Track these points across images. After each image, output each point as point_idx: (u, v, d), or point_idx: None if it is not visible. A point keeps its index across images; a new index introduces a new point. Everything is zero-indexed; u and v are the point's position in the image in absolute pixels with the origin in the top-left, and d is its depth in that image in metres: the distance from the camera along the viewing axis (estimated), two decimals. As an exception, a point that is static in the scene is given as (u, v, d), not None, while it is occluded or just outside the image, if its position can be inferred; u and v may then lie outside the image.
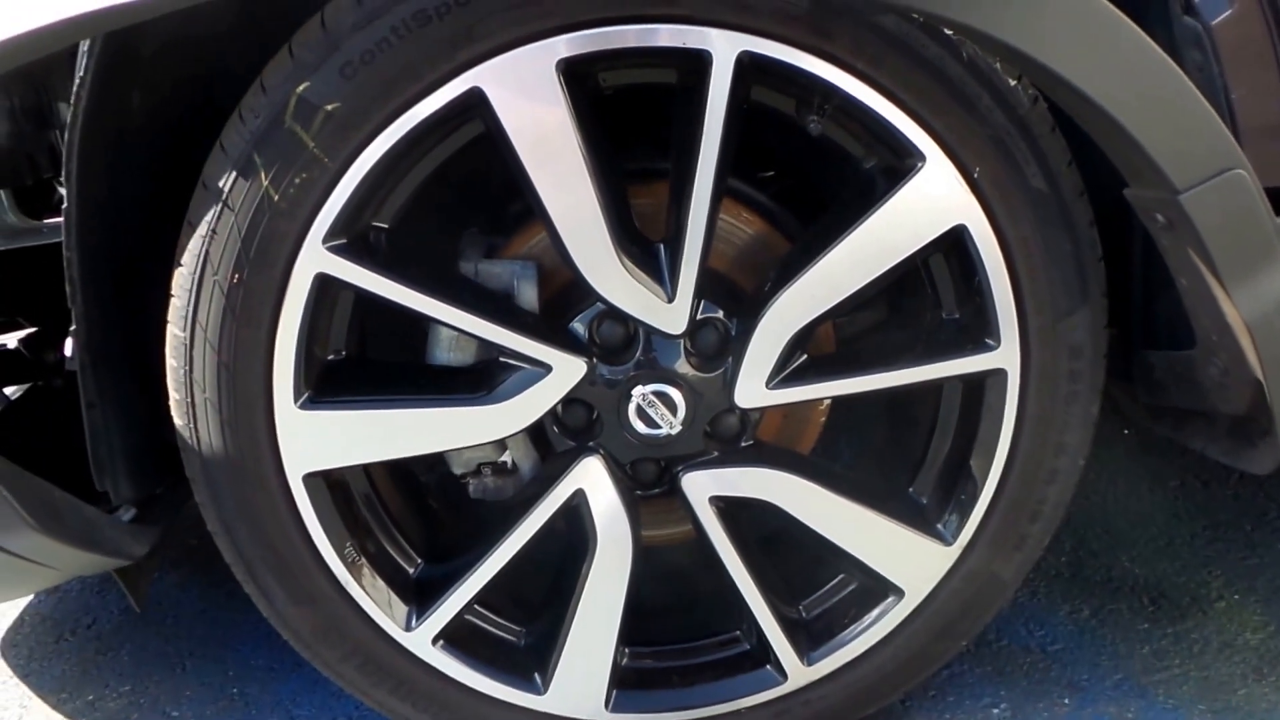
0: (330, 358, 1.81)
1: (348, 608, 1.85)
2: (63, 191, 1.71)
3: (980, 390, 1.85)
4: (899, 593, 1.92)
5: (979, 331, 1.79)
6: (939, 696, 2.19)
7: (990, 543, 1.89)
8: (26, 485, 1.71)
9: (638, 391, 1.82)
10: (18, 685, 2.39)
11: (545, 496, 1.84)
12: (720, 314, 1.84)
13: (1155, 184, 1.54)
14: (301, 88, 1.58)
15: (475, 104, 1.60)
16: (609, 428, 1.86)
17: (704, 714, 1.98)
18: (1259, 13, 1.63)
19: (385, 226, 1.77)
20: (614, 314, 1.79)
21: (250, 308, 1.66)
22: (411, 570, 1.99)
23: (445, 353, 1.88)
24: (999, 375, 1.79)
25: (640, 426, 1.84)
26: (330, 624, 1.86)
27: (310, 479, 1.77)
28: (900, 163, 1.70)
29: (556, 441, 1.93)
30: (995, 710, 2.16)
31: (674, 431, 1.84)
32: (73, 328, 1.76)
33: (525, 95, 1.59)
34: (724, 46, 1.59)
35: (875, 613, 1.95)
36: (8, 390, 2.68)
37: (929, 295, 1.91)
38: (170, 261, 1.69)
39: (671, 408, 1.83)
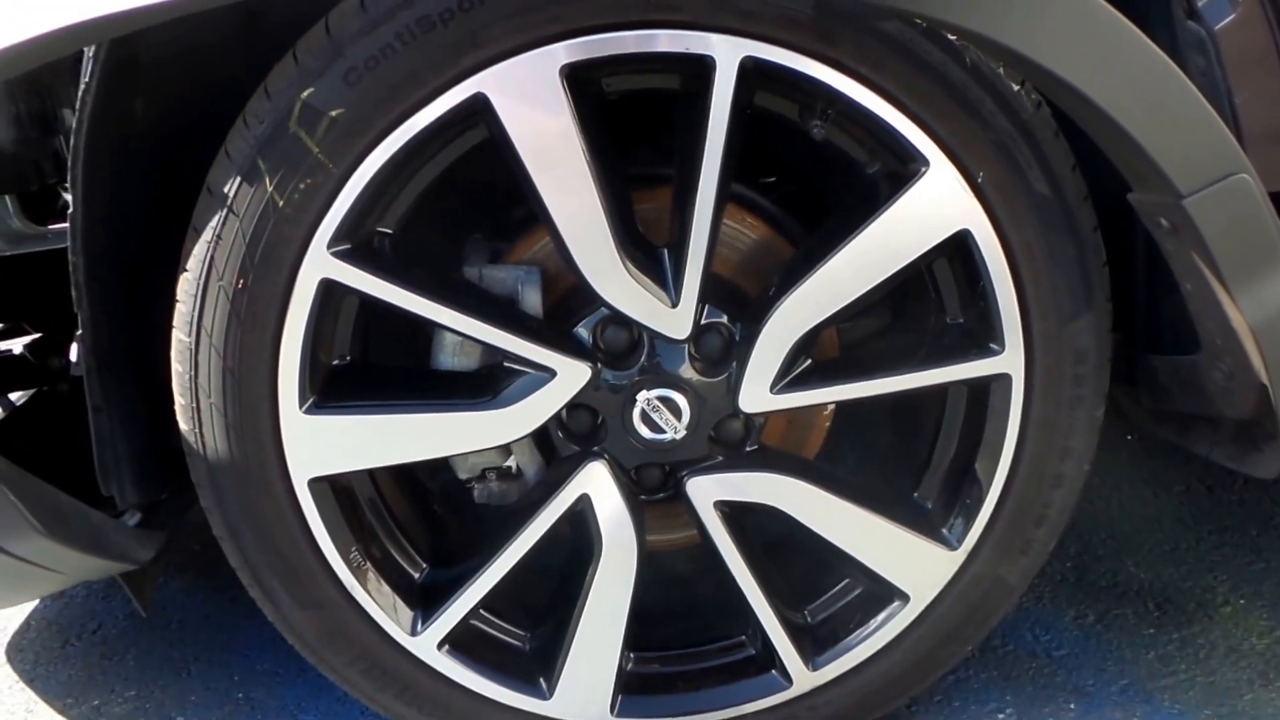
0: (335, 363, 1.81)
1: (353, 612, 1.85)
2: (67, 197, 1.71)
3: (985, 395, 1.84)
4: (904, 597, 1.92)
5: (983, 336, 1.79)
6: (944, 701, 2.19)
7: (995, 547, 1.89)
8: (33, 490, 1.71)
9: (642, 396, 1.82)
10: (23, 690, 2.39)
11: (550, 501, 1.84)
12: (724, 319, 1.84)
13: (1159, 189, 1.54)
14: (306, 93, 1.58)
15: (479, 110, 1.60)
16: (613, 433, 1.86)
17: (709, 719, 1.97)
18: (1262, 17, 1.62)
19: (390, 232, 1.77)
20: (618, 319, 1.79)
21: (255, 313, 1.67)
22: (417, 575, 2.00)
23: (450, 358, 1.89)
24: (1003, 380, 1.79)
25: (645, 431, 1.84)
26: (336, 629, 1.86)
27: (315, 484, 1.77)
28: (904, 168, 1.70)
29: (561, 446, 1.93)
30: (1001, 715, 2.15)
31: (678, 436, 1.84)
32: (78, 332, 1.76)
33: (529, 101, 1.59)
34: (727, 52, 1.59)
35: (880, 617, 1.95)
36: (13, 396, 2.68)
37: (933, 300, 1.91)
38: (175, 267, 1.70)
39: (676, 412, 1.83)
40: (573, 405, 1.80)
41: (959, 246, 1.73)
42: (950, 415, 1.97)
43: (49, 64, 1.49)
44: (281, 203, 1.61)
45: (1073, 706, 2.16)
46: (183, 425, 1.76)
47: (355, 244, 1.67)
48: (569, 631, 1.89)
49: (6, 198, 2.00)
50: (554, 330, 1.85)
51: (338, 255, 1.65)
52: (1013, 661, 2.29)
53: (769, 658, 1.97)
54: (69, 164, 1.69)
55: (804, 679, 1.95)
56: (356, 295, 1.71)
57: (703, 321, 1.80)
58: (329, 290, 1.67)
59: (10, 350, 2.61)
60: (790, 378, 1.80)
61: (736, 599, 1.92)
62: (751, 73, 1.61)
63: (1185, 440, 2.02)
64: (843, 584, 2.04)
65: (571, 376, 1.76)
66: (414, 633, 1.87)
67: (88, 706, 2.33)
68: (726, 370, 1.83)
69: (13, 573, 1.78)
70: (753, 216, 1.98)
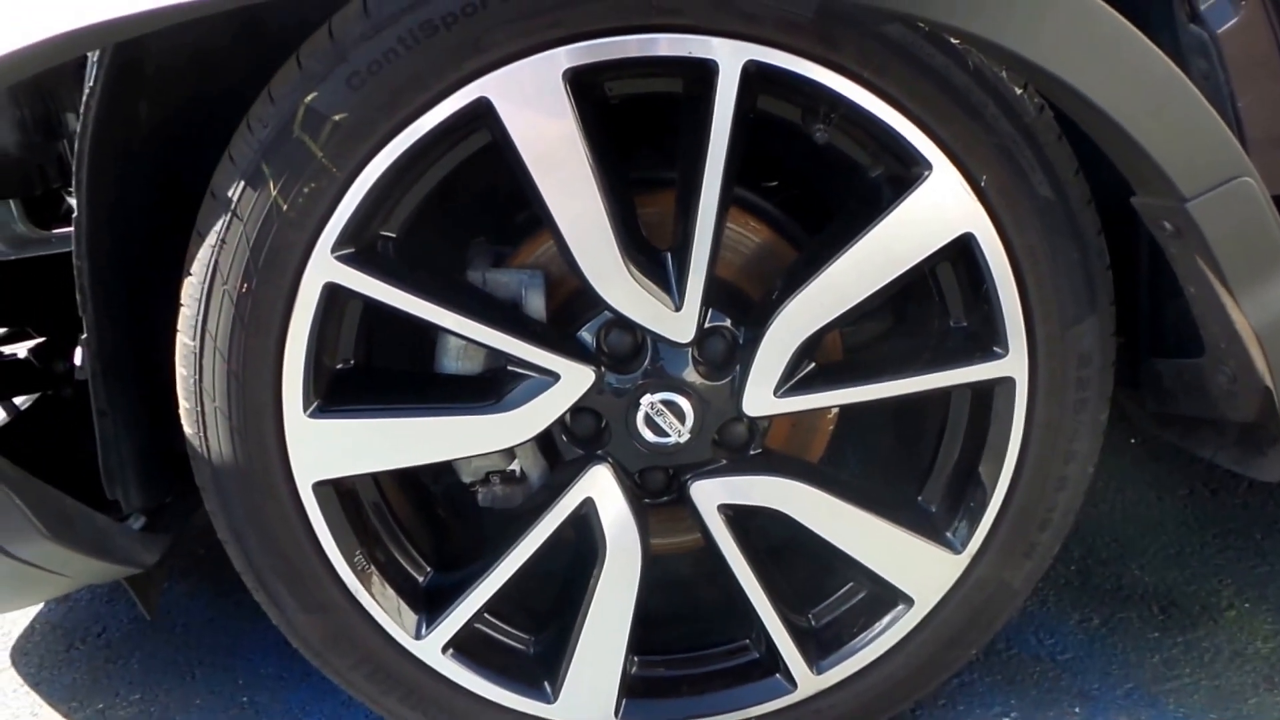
0: (339, 366, 1.81)
1: (357, 616, 1.85)
2: (71, 201, 1.71)
3: (988, 398, 1.85)
4: (908, 601, 1.92)
5: (987, 339, 1.79)
6: (949, 705, 2.19)
7: (1000, 551, 1.89)
8: (38, 493, 1.72)
9: (646, 400, 1.82)
10: (28, 693, 2.40)
11: (554, 505, 1.84)
12: (728, 322, 1.84)
13: (1162, 192, 1.54)
14: (309, 98, 1.58)
15: (482, 114, 1.60)
16: (617, 436, 1.86)
17: (713, 723, 1.98)
18: (1265, 20, 1.62)
19: (393, 236, 1.77)
20: (622, 323, 1.79)
21: (259, 317, 1.67)
22: (421, 579, 2.00)
23: (453, 361, 1.89)
24: (1007, 383, 1.79)
25: (648, 435, 1.84)
26: (340, 632, 1.86)
27: (320, 487, 1.77)
28: (906, 171, 1.70)
29: (565, 450, 1.93)
30: (1006, 719, 2.15)
31: (682, 440, 1.84)
32: (83, 336, 1.77)
33: (532, 105, 1.60)
34: (730, 56, 1.59)
35: (885, 621, 1.95)
36: (17, 400, 2.69)
37: (936, 303, 1.91)
38: (178, 271, 1.70)
39: (680, 416, 1.83)
40: (576, 409, 1.80)
41: (962, 250, 1.73)
42: (954, 419, 1.97)
43: (53, 69, 1.49)
44: (285, 207, 1.62)
45: (1077, 710, 2.16)
46: (187, 429, 1.76)
47: (359, 248, 1.68)
48: (573, 635, 1.89)
49: (11, 202, 2.00)
50: (558, 334, 1.85)
51: (342, 259, 1.65)
52: (1017, 665, 2.29)
53: (773, 661, 1.97)
54: (74, 168, 1.69)
55: (808, 683, 1.95)
56: (360, 299, 1.71)
57: (706, 325, 1.80)
58: (333, 294, 1.68)
59: (14, 354, 2.61)
60: (794, 381, 1.80)
61: (740, 602, 1.92)
62: (754, 76, 1.61)
63: (1189, 444, 2.02)
64: (846, 587, 2.04)
65: (575, 380, 1.76)
66: (418, 636, 1.87)
67: (92, 710, 2.33)
68: (730, 374, 1.83)
69: (18, 576, 1.78)
70: (756, 220, 1.98)
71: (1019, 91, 1.64)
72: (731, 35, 1.58)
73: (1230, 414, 1.77)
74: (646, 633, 1.93)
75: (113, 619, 2.63)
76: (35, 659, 2.52)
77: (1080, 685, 2.22)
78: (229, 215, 1.63)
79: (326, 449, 1.76)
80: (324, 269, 1.65)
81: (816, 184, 2.08)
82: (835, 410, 2.08)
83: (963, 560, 1.89)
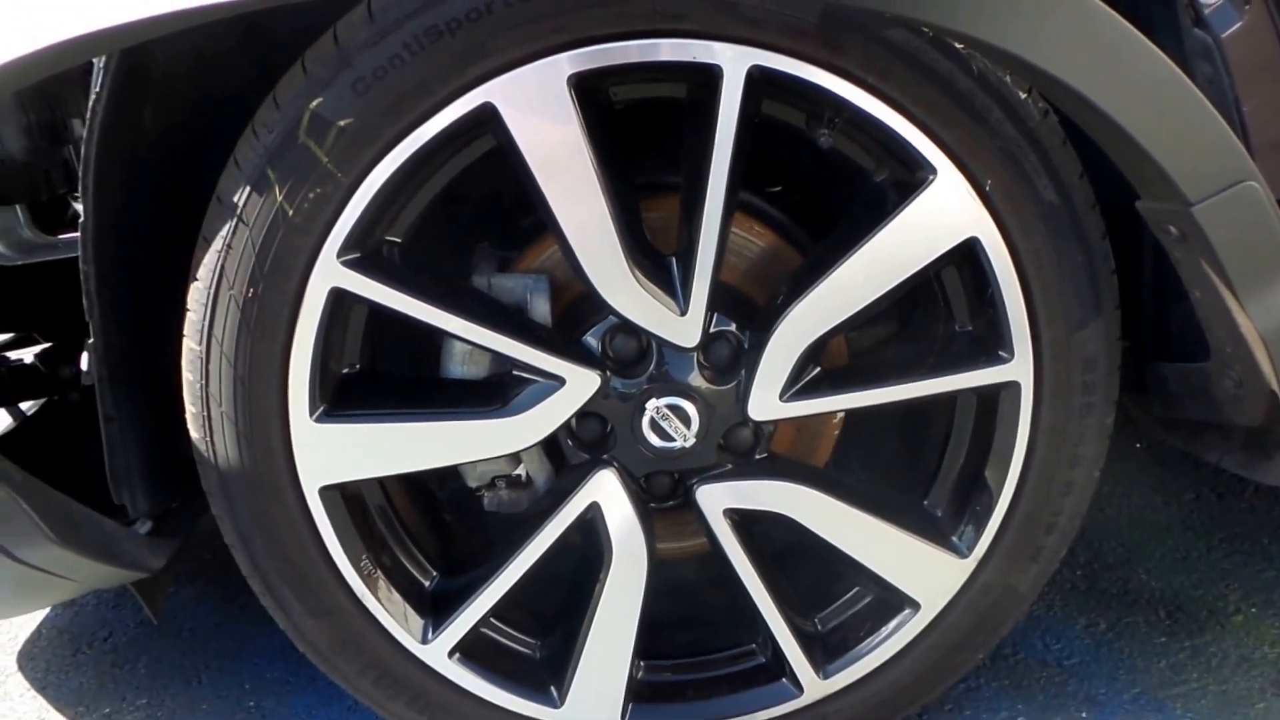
0: (345, 371, 1.82)
1: (364, 620, 1.85)
2: (77, 207, 1.72)
3: (994, 402, 1.85)
4: (914, 605, 1.92)
5: (992, 344, 1.79)
6: (955, 710, 2.19)
7: (1006, 555, 1.89)
8: (45, 498, 1.72)
9: (651, 404, 1.83)
10: (35, 698, 2.40)
11: (560, 509, 1.84)
12: (733, 327, 1.84)
13: (1167, 196, 1.54)
14: (315, 103, 1.58)
15: (487, 119, 1.60)
16: (623, 441, 1.86)
17: (720, 728, 1.98)
18: (1269, 25, 1.62)
19: (399, 241, 1.77)
20: (627, 327, 1.79)
21: (265, 322, 1.67)
22: (427, 583, 2.00)
23: (459, 366, 1.89)
24: (1012, 387, 1.79)
25: (654, 439, 1.84)
26: (347, 637, 1.86)
27: (326, 492, 1.77)
28: (911, 176, 1.70)
29: (571, 454, 1.93)
30: (1012, 724, 2.16)
31: (688, 444, 1.84)
32: (89, 341, 1.77)
33: (537, 110, 1.60)
34: (734, 61, 1.59)
35: (891, 626, 1.95)
36: (24, 405, 2.69)
37: (942, 308, 1.91)
38: (184, 276, 1.70)
39: (685, 420, 1.83)
40: (582, 413, 1.80)
41: (967, 254, 1.73)
42: (959, 423, 1.97)
43: (58, 74, 1.50)
44: (291, 212, 1.62)
45: (1084, 715, 2.15)
46: (193, 433, 1.76)
47: (365, 253, 1.68)
48: (579, 640, 1.89)
49: (17, 207, 2.01)
50: (563, 338, 1.85)
51: (347, 264, 1.66)
52: (1024, 670, 2.29)
53: (779, 666, 1.97)
54: (80, 173, 1.70)
55: (815, 687, 1.95)
56: (366, 304, 1.71)
57: (711, 330, 1.80)
58: (339, 299, 1.68)
59: (21, 359, 2.62)
60: (799, 386, 1.80)
61: (746, 607, 1.92)
62: (758, 81, 1.61)
63: (1195, 448, 2.02)
64: (853, 592, 2.04)
65: (581, 385, 1.76)
66: (425, 641, 1.88)
67: (99, 715, 2.33)
68: (735, 378, 1.83)
69: (25, 580, 1.79)
70: (761, 224, 1.98)
71: (1023, 96, 1.64)
72: (735, 40, 1.58)
73: (1236, 418, 1.77)
74: (653, 637, 1.93)
75: (119, 624, 2.63)
76: (42, 663, 2.52)
77: (1087, 690, 2.22)
78: (235, 221, 1.63)
79: (332, 454, 1.76)
80: (330, 274, 1.65)
81: (821, 189, 2.08)
82: (841, 415, 2.08)
83: (969, 565, 1.89)
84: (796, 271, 1.90)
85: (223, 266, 1.65)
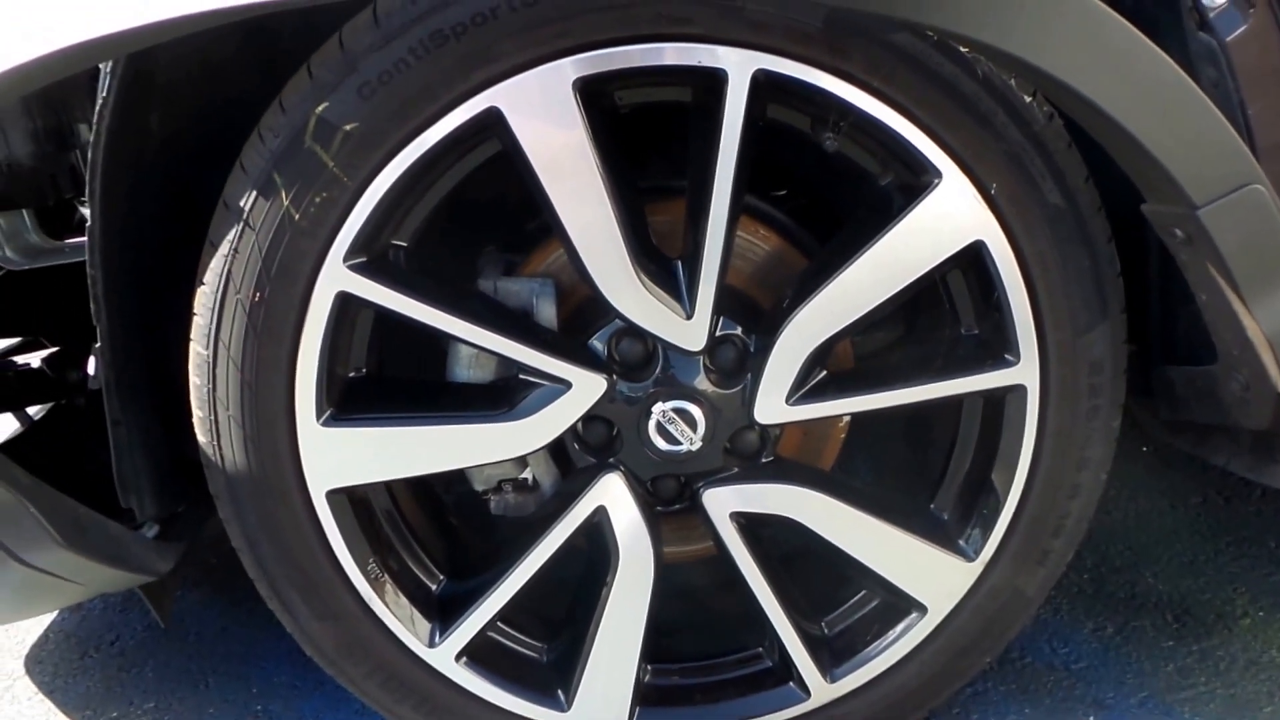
0: (351, 375, 1.82)
1: (371, 624, 1.86)
2: (83, 212, 1.72)
3: (1000, 406, 1.85)
4: (921, 609, 1.92)
5: (998, 347, 1.79)
6: (963, 714, 2.19)
7: (1013, 558, 1.89)
8: (53, 502, 1.72)
9: (658, 408, 1.83)
10: (42, 701, 2.40)
11: (566, 513, 1.84)
12: (739, 330, 1.84)
13: (1173, 199, 1.54)
14: (321, 108, 1.58)
15: (492, 123, 1.61)
16: (629, 444, 1.86)
17: (727, 731, 1.98)
18: (1274, 28, 1.62)
19: (405, 245, 1.77)
20: (633, 331, 1.79)
21: (272, 326, 1.67)
22: (434, 587, 2.00)
23: (465, 370, 1.89)
24: (1019, 391, 1.79)
25: (660, 443, 1.84)
26: (354, 640, 1.86)
27: (333, 495, 1.77)
28: (916, 179, 1.70)
29: (577, 458, 1.93)
30: (1019, 728, 2.16)
31: (694, 448, 1.85)
32: (97, 345, 1.77)
33: (542, 115, 1.60)
34: (739, 65, 1.60)
35: (898, 629, 1.95)
36: (30, 410, 2.70)
37: (947, 311, 1.91)
38: (191, 280, 1.71)
39: (691, 424, 1.83)
40: (588, 417, 1.80)
41: (973, 258, 1.73)
42: (966, 426, 1.97)
43: (64, 80, 1.50)
44: (297, 216, 1.62)
45: (1092, 719, 2.15)
46: (200, 438, 1.76)
47: (371, 257, 1.68)
48: (586, 643, 1.89)
49: (24, 212, 2.01)
50: (569, 342, 1.85)
51: (354, 268, 1.66)
52: (1031, 674, 2.28)
53: (786, 670, 1.97)
54: (87, 178, 1.70)
55: (822, 691, 1.95)
56: (372, 308, 1.71)
57: (717, 333, 1.80)
58: (345, 303, 1.68)
59: (28, 364, 2.63)
60: (805, 389, 1.80)
61: (753, 610, 1.92)
62: (763, 85, 1.61)
63: (1202, 451, 2.02)
64: (859, 595, 2.04)
65: (587, 388, 1.76)
66: (432, 644, 1.88)
67: (106, 718, 2.33)
68: (741, 382, 1.84)
69: (32, 584, 1.79)
70: (766, 228, 1.98)
71: (1028, 99, 1.64)
72: (740, 44, 1.59)
73: (1243, 421, 1.76)
74: (659, 641, 1.94)
75: (126, 627, 2.64)
76: (49, 667, 2.52)
77: (1095, 694, 2.21)
78: (241, 225, 1.64)
79: (339, 457, 1.76)
80: (336, 278, 1.66)
81: (826, 192, 2.08)
82: (847, 418, 2.08)
83: (976, 568, 1.89)
84: (802, 275, 1.89)
85: (229, 271, 1.66)
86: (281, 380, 1.70)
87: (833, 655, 1.97)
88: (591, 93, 1.62)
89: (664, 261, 1.80)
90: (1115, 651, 2.33)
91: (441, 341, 1.87)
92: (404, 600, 1.89)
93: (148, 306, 1.84)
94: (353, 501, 1.83)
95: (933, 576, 1.91)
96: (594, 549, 1.91)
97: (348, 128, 1.59)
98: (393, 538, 1.97)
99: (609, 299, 1.71)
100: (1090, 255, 1.72)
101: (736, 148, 1.63)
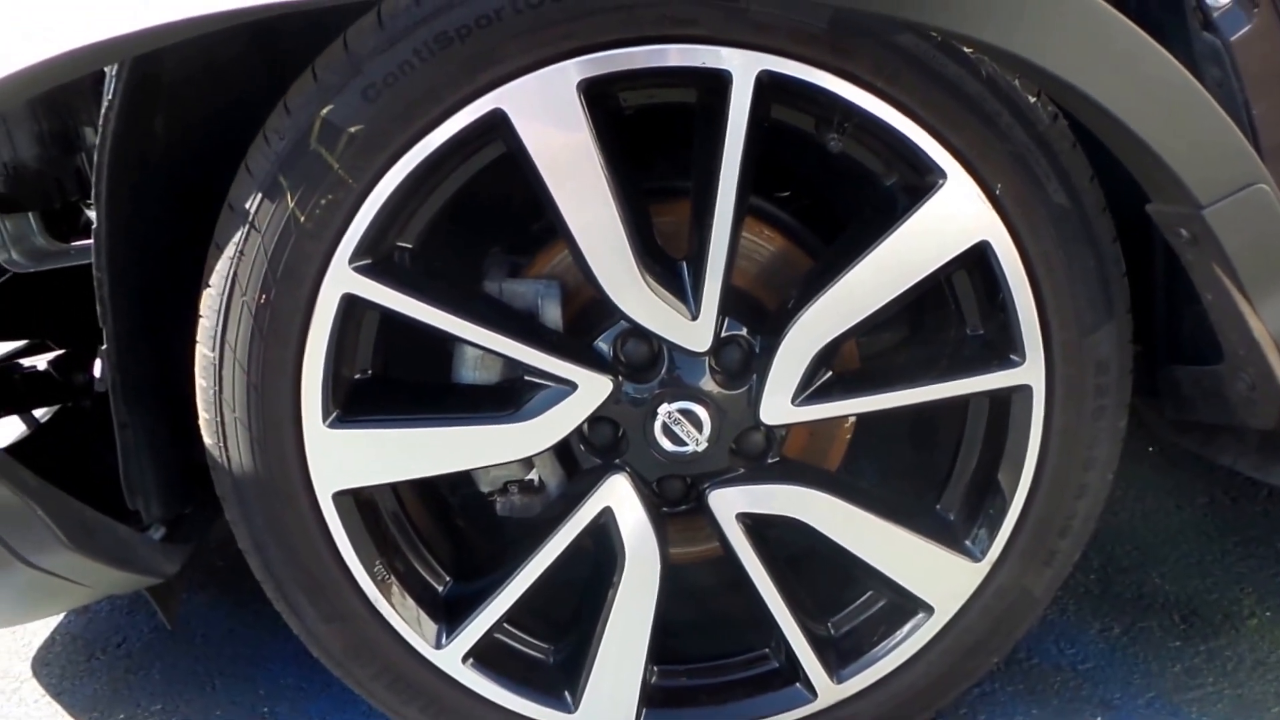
0: (357, 377, 1.82)
1: (378, 626, 1.86)
2: (89, 214, 1.72)
3: (1006, 406, 1.84)
4: (928, 609, 1.92)
5: (1003, 347, 1.78)
6: (970, 715, 2.19)
7: (1020, 558, 1.89)
8: (60, 504, 1.73)
9: (663, 409, 1.83)
10: (50, 703, 2.41)
11: (572, 514, 1.84)
12: (744, 331, 1.84)
13: (1178, 199, 1.54)
14: (325, 110, 1.59)
15: (497, 125, 1.61)
16: (635, 445, 1.86)
17: (733, 732, 1.98)
18: (1278, 28, 1.62)
19: (410, 247, 1.77)
20: (638, 332, 1.79)
21: (278, 328, 1.67)
22: (440, 588, 2.00)
23: (471, 371, 1.89)
24: (1024, 391, 1.79)
25: (666, 444, 1.84)
26: (361, 642, 1.87)
27: (339, 497, 1.78)
28: (921, 180, 1.70)
29: (583, 459, 1.93)
30: (1027, 728, 2.15)
31: (700, 449, 1.85)
32: (103, 348, 1.78)
33: (547, 116, 1.60)
34: (743, 66, 1.60)
35: (905, 630, 1.95)
36: (37, 412, 2.70)
37: (953, 312, 1.91)
38: (197, 282, 1.71)
39: (697, 425, 1.83)
40: (594, 418, 1.80)
41: (978, 258, 1.72)
42: (971, 427, 1.97)
43: (69, 82, 1.50)
44: (303, 218, 1.62)
45: (1099, 719, 2.15)
46: (207, 440, 1.76)
47: (376, 259, 1.68)
48: (593, 645, 1.90)
49: (30, 215, 2.02)
50: (574, 344, 1.85)
51: (359, 270, 1.66)
52: (1038, 675, 2.28)
53: (793, 671, 1.97)
54: (93, 181, 1.70)
55: (829, 692, 1.95)
56: (378, 310, 1.71)
57: (723, 334, 1.80)
58: (350, 305, 1.68)
59: (35, 366, 2.63)
60: (811, 390, 1.80)
61: (759, 611, 1.92)
62: (768, 86, 1.62)
63: (1209, 451, 2.02)
64: (866, 596, 2.04)
65: (592, 390, 1.76)
66: (439, 646, 1.88)
67: (114, 720, 2.34)
68: (747, 382, 1.84)
69: (40, 586, 1.79)
70: (771, 229, 1.98)
71: (1032, 100, 1.64)
72: (745, 45, 1.59)
73: (1250, 421, 1.76)
74: (666, 642, 1.93)
75: (133, 630, 2.64)
76: (56, 669, 2.52)
77: (1102, 694, 2.21)
78: (247, 227, 1.64)
79: (346, 459, 1.77)
80: (342, 280, 1.66)
81: (830, 193, 2.08)
82: (852, 419, 2.08)
83: (982, 568, 1.89)
84: (807, 276, 1.90)
85: (235, 273, 1.66)
86: (287, 382, 1.71)
87: (839, 656, 1.97)
88: (596, 94, 1.62)
89: (669, 262, 1.80)
90: (1122, 652, 2.33)
91: (447, 343, 1.87)
92: (410, 602, 1.89)
93: (153, 309, 1.85)
94: (359, 503, 1.83)
95: (939, 577, 1.91)
96: (600, 550, 1.91)
97: (353, 130, 1.59)
98: (399, 539, 1.97)
99: (614, 300, 1.71)
100: (1095, 255, 1.72)
101: (741, 149, 1.63)
